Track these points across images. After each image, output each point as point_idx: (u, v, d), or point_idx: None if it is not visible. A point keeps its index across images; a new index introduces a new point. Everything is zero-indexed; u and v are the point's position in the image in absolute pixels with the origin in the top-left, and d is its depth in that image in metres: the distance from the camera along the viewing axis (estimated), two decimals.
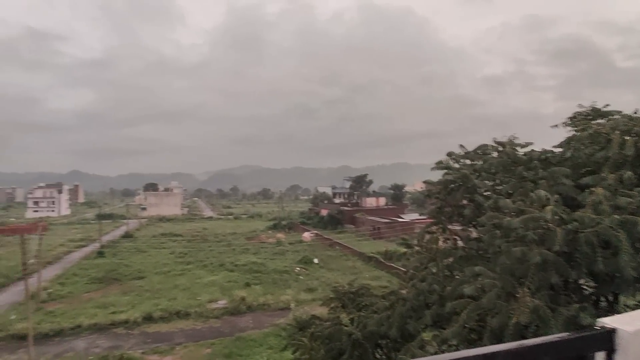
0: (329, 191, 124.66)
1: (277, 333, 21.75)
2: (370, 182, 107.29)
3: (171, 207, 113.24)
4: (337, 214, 74.61)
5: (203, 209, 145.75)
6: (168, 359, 19.16)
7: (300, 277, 35.38)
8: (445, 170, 7.99)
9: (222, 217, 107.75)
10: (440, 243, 8.01)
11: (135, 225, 78.70)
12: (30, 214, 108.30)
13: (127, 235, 63.17)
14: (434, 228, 8.24)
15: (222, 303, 27.27)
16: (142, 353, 19.63)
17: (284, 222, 77.08)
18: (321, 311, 21.87)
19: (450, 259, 7.51)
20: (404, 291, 7.44)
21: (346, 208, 78.81)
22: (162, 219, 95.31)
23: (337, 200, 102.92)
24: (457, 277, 6.97)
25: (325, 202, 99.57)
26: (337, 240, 54.41)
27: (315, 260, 41.66)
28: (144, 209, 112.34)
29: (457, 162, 8.03)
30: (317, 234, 61.62)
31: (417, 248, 8.20)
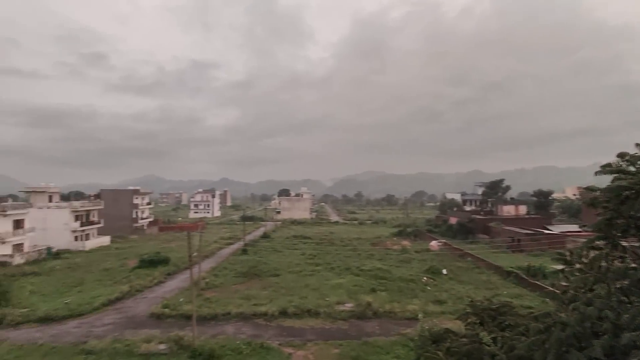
0: (457, 198, 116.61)
1: (404, 343, 21.17)
2: (508, 188, 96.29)
3: (301, 211, 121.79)
4: (468, 222, 69.15)
5: (330, 213, 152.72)
6: (301, 354, 20.44)
7: (428, 288, 33.82)
8: (616, 175, 6.63)
9: (347, 222, 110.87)
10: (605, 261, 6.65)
11: (272, 227, 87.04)
12: (192, 215, 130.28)
13: (265, 236, 70.31)
14: (600, 243, 6.89)
15: (349, 306, 27.92)
16: (279, 344, 21.41)
17: (409, 229, 75.07)
18: (453, 325, 20.43)
19: (626, 282, 6.14)
20: (562, 314, 6.36)
21: (478, 216, 72.39)
22: (294, 222, 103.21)
23: (467, 208, 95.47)
24: (636, 303, 5.65)
25: (454, 209, 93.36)
26: (469, 251, 50.34)
27: (444, 271, 39.30)
28: (278, 212, 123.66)
29: (633, 164, 6.60)
30: (445, 243, 58.18)
31: (578, 265, 6.95)
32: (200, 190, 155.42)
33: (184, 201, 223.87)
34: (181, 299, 30.02)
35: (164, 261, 43.46)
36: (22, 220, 51.07)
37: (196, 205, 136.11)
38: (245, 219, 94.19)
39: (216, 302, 29.26)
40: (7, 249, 47.29)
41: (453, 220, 75.41)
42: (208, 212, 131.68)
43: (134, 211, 79.26)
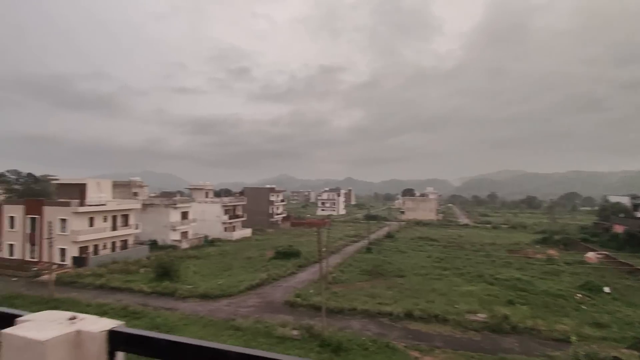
0: (625, 201, 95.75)
1: None
2: None
3: (426, 212, 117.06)
4: None
5: (458, 215, 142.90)
6: (428, 359, 19.70)
7: (583, 307, 28.72)
8: None
9: (479, 225, 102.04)
10: None
11: (395, 227, 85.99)
12: (319, 212, 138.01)
13: (389, 236, 69.92)
14: None
15: (481, 316, 25.69)
16: (405, 347, 21.04)
17: (556, 237, 65.03)
18: (620, 354, 16.92)
19: None
20: None
21: None
22: (419, 223, 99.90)
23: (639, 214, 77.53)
24: None
25: (621, 215, 76.96)
26: None
27: (606, 289, 32.81)
28: (402, 212, 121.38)
29: None
30: (607, 256, 48.50)
31: None
32: (327, 189, 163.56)
33: (312, 199, 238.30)
34: (311, 291, 32.08)
35: (296, 254, 47.09)
36: (187, 212, 61.82)
37: (323, 203, 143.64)
38: (369, 217, 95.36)
39: (343, 297, 30.36)
40: (177, 235, 57.92)
41: (619, 229, 62.34)
42: (334, 210, 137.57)
43: (271, 207, 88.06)
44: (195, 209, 64.72)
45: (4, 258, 45.04)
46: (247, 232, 72.62)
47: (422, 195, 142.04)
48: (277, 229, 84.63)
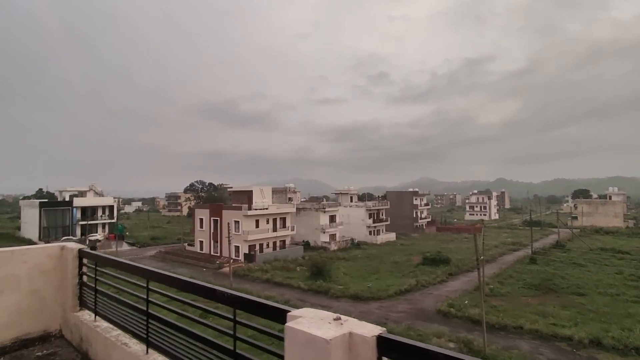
0: None
1: None
2: None
3: (609, 217, 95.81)
4: None
5: None
6: None
7: None
8: None
9: None
10: None
11: (566, 235, 72.90)
12: (467, 217, 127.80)
13: (558, 245, 59.72)
14: None
15: None
16: None
17: None
18: None
19: None
20: None
21: None
22: (599, 231, 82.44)
23: None
24: None
25: None
26: None
27: None
28: (574, 218, 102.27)
29: None
30: None
31: None
32: (475, 191, 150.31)
33: (458, 202, 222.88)
34: (466, 302, 29.70)
35: (445, 261, 44.50)
36: (334, 215, 65.32)
37: (471, 207, 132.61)
38: (529, 223, 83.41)
39: (504, 311, 27.14)
40: (326, 238, 61.74)
41: None
42: (484, 215, 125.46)
43: (414, 211, 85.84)
44: (341, 213, 67.88)
45: (196, 252, 55.74)
46: (391, 236, 72.34)
47: (601, 197, 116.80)
48: (422, 233, 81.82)
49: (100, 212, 73.84)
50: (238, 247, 50.49)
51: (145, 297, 3.33)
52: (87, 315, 4.24)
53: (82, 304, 4.37)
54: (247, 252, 50.07)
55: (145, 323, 3.30)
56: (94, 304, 4.11)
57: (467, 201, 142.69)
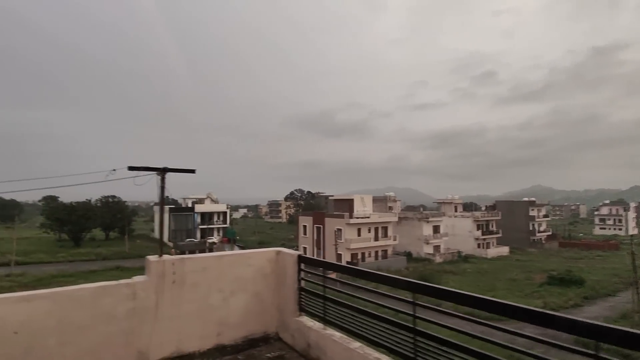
0: None
1: None
2: None
3: None
4: None
5: None
6: None
7: None
8: None
9: None
10: None
11: None
12: (597, 231, 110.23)
13: None
14: None
15: None
16: None
17: None
18: None
19: None
20: None
21: None
22: None
23: None
24: None
25: None
26: None
27: None
28: None
29: None
30: None
31: None
32: (607, 201, 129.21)
33: (582, 214, 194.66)
34: None
35: (577, 282, 38.71)
36: (438, 226, 62.03)
37: (602, 220, 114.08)
38: None
39: None
40: (430, 249, 58.87)
41: None
42: (619, 229, 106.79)
43: (530, 223, 77.04)
44: (445, 223, 64.21)
45: None
46: (504, 250, 65.91)
47: None
48: (541, 248, 72.82)
49: (215, 218, 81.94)
50: (340, 255, 51.02)
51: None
52: (309, 322, 4.28)
53: (302, 309, 4.45)
54: (349, 260, 50.27)
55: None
56: (321, 310, 4.12)
57: (595, 213, 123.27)
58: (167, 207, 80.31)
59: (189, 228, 75.91)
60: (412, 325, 3.08)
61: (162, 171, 4.87)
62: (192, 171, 5.18)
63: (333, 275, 4.33)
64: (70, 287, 3.64)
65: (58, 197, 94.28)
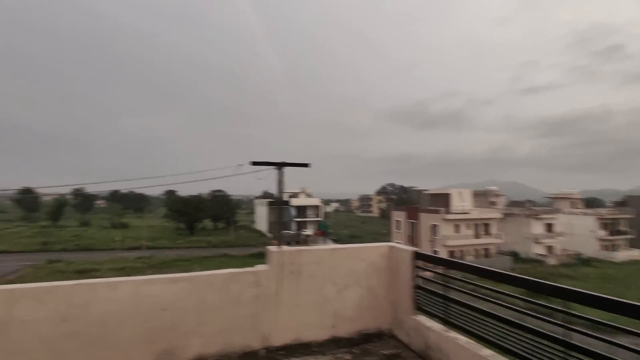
0: None
1: None
2: None
3: None
4: None
5: None
6: None
7: None
8: None
9: None
10: None
11: None
12: None
13: None
14: None
15: None
16: None
17: None
18: None
19: None
20: None
21: None
22: None
23: None
24: None
25: None
26: None
27: None
28: None
29: None
30: None
31: None
32: None
33: None
34: None
35: None
36: (552, 224, 55.22)
37: None
38: None
39: None
40: (540, 249, 52.80)
41: None
42: None
43: None
44: (559, 221, 56.90)
45: None
46: (636, 253, 55.94)
47: None
48: None
49: (309, 211, 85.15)
50: (436, 252, 48.74)
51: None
52: (428, 322, 4.07)
53: (418, 308, 4.25)
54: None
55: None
56: (442, 311, 3.88)
57: None
58: (266, 200, 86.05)
59: (285, 221, 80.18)
60: (562, 338, 2.67)
61: (280, 166, 5.14)
62: (307, 165, 5.36)
63: (440, 270, 4.02)
64: (206, 272, 4.01)
65: (176, 191, 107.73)
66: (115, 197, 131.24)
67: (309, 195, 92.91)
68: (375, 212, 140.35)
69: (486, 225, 51.79)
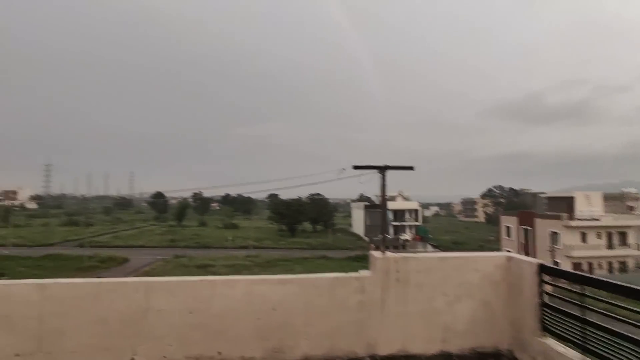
0: None
1: None
2: None
3: None
4: None
5: None
6: None
7: None
8: None
9: None
10: None
11: None
12: None
13: None
14: None
15: None
16: None
17: None
18: None
19: None
20: None
21: None
22: None
23: None
24: None
25: None
26: None
27: None
28: None
29: None
30: None
31: None
32: None
33: None
34: None
35: None
36: None
37: None
38: None
39: None
40: None
41: None
42: None
43: None
44: None
45: None
46: None
47: None
48: None
49: (407, 215, 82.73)
50: (557, 263, 42.85)
51: None
52: (559, 346, 3.51)
53: (546, 329, 3.70)
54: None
55: None
56: (579, 335, 3.30)
57: None
58: (362, 204, 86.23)
59: (383, 224, 79.19)
60: None
61: (383, 169, 5.02)
62: (411, 168, 5.14)
63: (576, 288, 3.39)
64: (313, 275, 4.09)
65: (279, 194, 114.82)
66: (226, 200, 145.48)
67: (406, 198, 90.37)
68: (480, 217, 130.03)
69: (622, 234, 43.84)
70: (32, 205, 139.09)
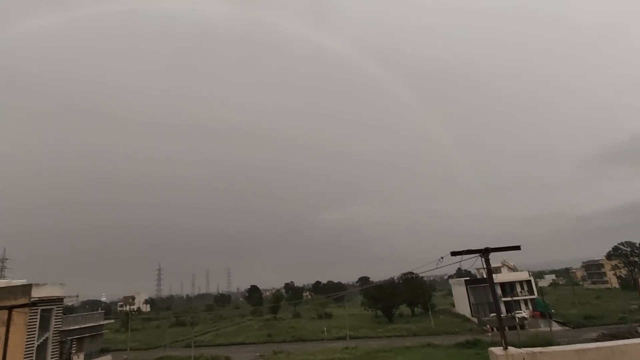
0: None
1: None
2: None
3: None
4: None
5: None
6: None
7: None
8: None
9: None
10: None
11: None
12: None
13: None
14: None
15: None
16: None
17: None
18: None
19: None
20: None
21: None
22: None
23: None
24: None
25: None
26: None
27: None
28: None
29: None
30: None
31: None
32: None
33: None
34: None
35: None
36: None
37: None
38: None
39: None
40: None
41: None
42: None
43: None
44: None
45: None
46: None
47: None
48: None
49: (518, 288, 72.76)
50: None
51: None
52: None
53: None
54: None
55: None
56: None
57: None
58: (462, 280, 78.58)
59: (490, 301, 70.33)
60: None
61: (485, 252, 4.52)
62: (517, 247, 4.58)
63: None
64: None
65: (369, 277, 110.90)
66: (317, 287, 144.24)
67: (512, 269, 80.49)
68: (611, 281, 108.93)
69: None
70: (147, 309, 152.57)
